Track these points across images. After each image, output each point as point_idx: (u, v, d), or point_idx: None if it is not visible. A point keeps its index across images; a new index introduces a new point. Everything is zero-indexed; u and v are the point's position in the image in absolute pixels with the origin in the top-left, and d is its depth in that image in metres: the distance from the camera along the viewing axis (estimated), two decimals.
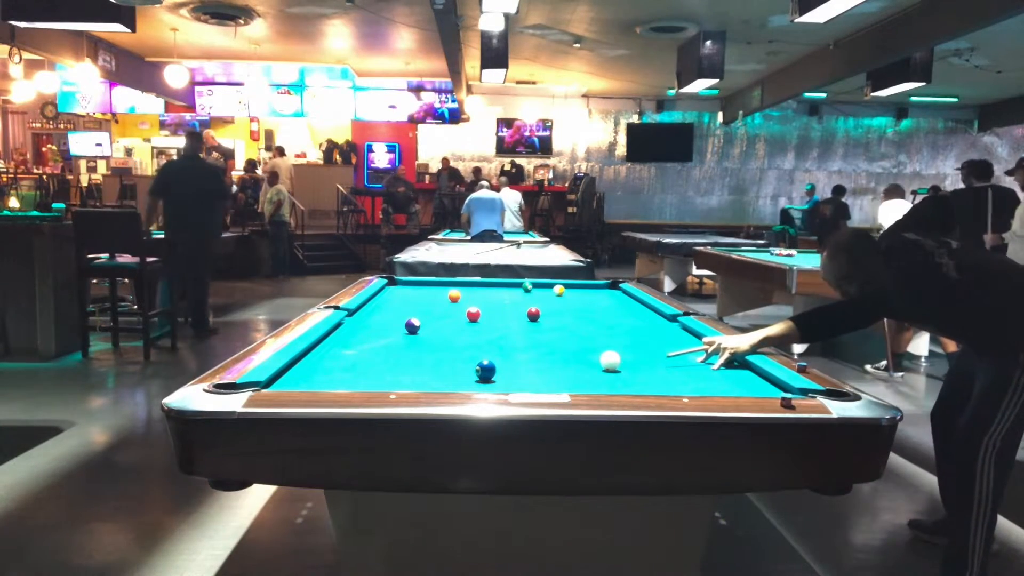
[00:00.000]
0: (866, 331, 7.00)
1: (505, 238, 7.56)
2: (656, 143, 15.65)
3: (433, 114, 14.75)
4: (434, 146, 15.54)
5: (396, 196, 13.09)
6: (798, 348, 6.01)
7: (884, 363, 5.63)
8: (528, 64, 12.15)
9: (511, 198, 10.43)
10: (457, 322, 2.72)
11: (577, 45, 10.83)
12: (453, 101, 14.36)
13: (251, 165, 13.60)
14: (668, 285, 9.71)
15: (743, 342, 2.16)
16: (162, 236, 6.36)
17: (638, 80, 13.42)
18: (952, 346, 5.29)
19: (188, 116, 14.78)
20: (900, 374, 5.58)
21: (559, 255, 5.67)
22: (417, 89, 14.51)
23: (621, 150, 15.89)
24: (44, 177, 13.82)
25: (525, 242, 6.99)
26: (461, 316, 2.76)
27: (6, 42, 8.60)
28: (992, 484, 2.31)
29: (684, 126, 15.68)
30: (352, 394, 1.65)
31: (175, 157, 9.56)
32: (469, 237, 7.79)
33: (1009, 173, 7.35)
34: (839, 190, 12.20)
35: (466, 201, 8.13)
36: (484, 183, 9.08)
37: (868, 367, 5.73)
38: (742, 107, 14.06)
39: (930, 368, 5.88)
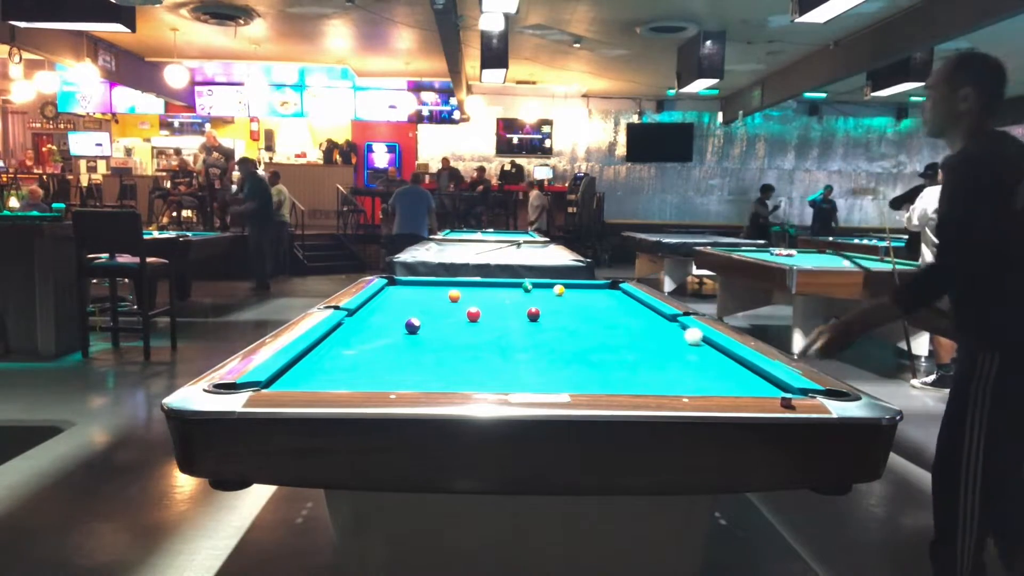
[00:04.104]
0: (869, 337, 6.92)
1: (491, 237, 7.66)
2: (656, 143, 15.66)
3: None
4: (434, 146, 15.55)
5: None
6: (798, 348, 6.02)
7: (931, 378, 5.39)
8: (528, 64, 12.15)
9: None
10: (457, 322, 2.71)
11: (577, 45, 10.83)
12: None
13: (252, 166, 13.60)
14: (668, 285, 9.71)
15: (849, 324, 2.15)
16: (166, 236, 6.90)
17: (638, 80, 13.42)
18: (946, 355, 5.27)
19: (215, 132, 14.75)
20: (928, 379, 5.39)
21: (559, 255, 5.66)
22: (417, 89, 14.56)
23: (621, 150, 15.89)
24: (44, 177, 13.83)
25: (525, 242, 6.99)
26: (461, 316, 2.76)
27: (6, 42, 8.60)
28: (978, 492, 2.09)
29: (684, 126, 15.69)
30: (352, 394, 1.64)
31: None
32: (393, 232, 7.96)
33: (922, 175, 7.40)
34: (767, 188, 13.31)
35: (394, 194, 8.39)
36: (423, 176, 9.34)
37: (915, 382, 5.45)
38: (742, 107, 14.07)
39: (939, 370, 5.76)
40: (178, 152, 14.02)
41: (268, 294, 9.40)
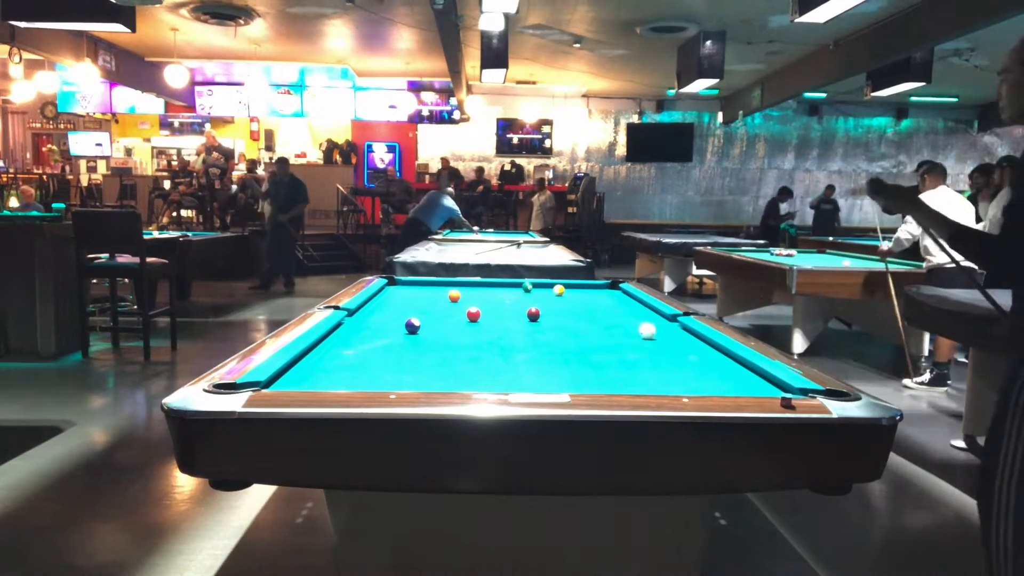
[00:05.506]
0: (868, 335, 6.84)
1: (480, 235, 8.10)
2: (656, 143, 15.65)
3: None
4: (434, 146, 15.55)
5: (393, 196, 13.16)
6: (798, 348, 6.01)
7: (926, 377, 5.33)
8: (528, 64, 12.15)
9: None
10: (457, 322, 2.71)
11: (577, 45, 10.83)
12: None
13: (252, 165, 13.63)
14: (668, 285, 9.72)
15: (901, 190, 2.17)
16: (166, 236, 7.01)
17: (638, 80, 13.42)
18: (946, 355, 5.25)
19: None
20: (923, 378, 5.34)
21: (559, 255, 5.66)
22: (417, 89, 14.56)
23: (621, 150, 15.89)
24: (44, 177, 13.83)
25: (525, 242, 6.99)
26: (461, 316, 2.76)
27: (6, 42, 8.61)
28: (1011, 520, 1.70)
29: (684, 126, 15.68)
30: (352, 394, 1.64)
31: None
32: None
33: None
34: (784, 191, 13.36)
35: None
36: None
37: (907, 381, 5.38)
38: (742, 107, 14.07)
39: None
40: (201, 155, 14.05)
41: (268, 294, 9.40)
